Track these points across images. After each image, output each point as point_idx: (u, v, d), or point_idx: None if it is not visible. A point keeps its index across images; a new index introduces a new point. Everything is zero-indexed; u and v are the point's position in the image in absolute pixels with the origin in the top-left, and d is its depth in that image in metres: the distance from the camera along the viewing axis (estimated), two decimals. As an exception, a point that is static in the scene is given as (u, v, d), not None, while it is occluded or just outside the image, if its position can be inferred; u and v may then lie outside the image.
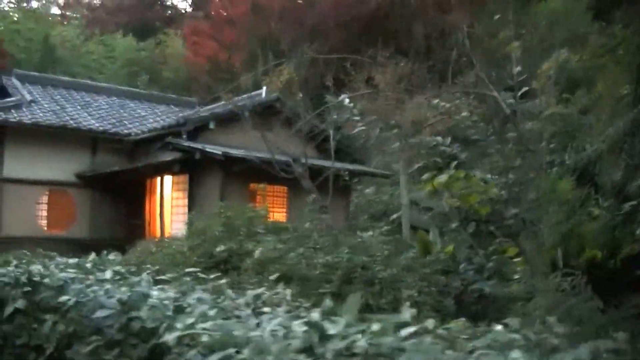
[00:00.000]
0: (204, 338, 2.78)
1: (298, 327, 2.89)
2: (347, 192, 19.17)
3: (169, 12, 40.27)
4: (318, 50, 26.10)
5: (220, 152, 14.83)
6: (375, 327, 2.80)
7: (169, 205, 17.29)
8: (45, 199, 18.11)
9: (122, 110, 20.27)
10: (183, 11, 40.42)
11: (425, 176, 8.54)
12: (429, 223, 14.45)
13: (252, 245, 8.58)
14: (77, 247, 17.85)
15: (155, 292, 3.78)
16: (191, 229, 9.94)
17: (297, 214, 17.37)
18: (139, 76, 28.55)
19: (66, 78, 21.50)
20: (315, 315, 3.15)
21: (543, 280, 7.16)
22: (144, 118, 20.26)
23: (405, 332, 2.76)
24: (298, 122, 18.33)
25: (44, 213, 18.07)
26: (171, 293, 3.76)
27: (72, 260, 5.71)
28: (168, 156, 16.62)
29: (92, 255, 5.71)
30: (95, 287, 4.37)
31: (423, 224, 14.58)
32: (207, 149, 15.13)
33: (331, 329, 2.82)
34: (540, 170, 9.78)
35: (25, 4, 34.86)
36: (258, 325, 3.09)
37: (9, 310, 4.68)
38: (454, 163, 9.68)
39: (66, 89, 20.39)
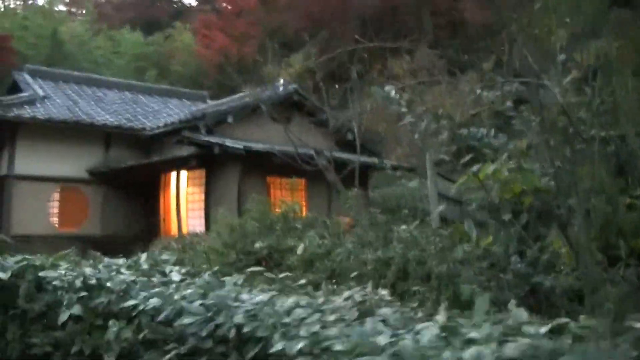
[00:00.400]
0: (338, 346, 2.38)
1: (428, 331, 2.51)
2: (365, 185, 18.79)
3: (175, 6, 39.80)
4: (329, 41, 25.78)
5: (241, 147, 14.43)
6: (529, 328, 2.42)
7: (185, 201, 16.90)
8: (57, 196, 17.70)
9: (135, 105, 19.85)
10: (188, 5, 40.06)
11: (475, 168, 8.07)
12: (457, 216, 14.08)
13: (293, 241, 8.16)
14: (90, 245, 17.44)
15: (245, 296, 3.38)
16: (222, 224, 9.50)
17: (316, 207, 17.00)
18: (147, 71, 28.13)
19: (77, 73, 21.05)
20: (441, 318, 2.77)
21: (600, 272, 6.77)
22: (157, 112, 19.84)
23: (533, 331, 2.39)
24: (318, 114, 17.98)
25: (56, 210, 17.66)
26: (262, 296, 3.35)
27: (121, 261, 5.30)
28: (184, 151, 16.22)
29: (144, 256, 5.30)
30: (168, 291, 3.98)
31: (452, 217, 14.20)
32: (227, 144, 14.72)
33: (471, 333, 2.43)
34: (590, 160, 9.24)
35: (31, 1, 34.46)
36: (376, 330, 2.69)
37: (63, 317, 4.28)
38: (505, 155, 9.20)
39: (77, 84, 19.96)
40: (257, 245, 8.19)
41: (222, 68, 27.95)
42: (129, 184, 18.10)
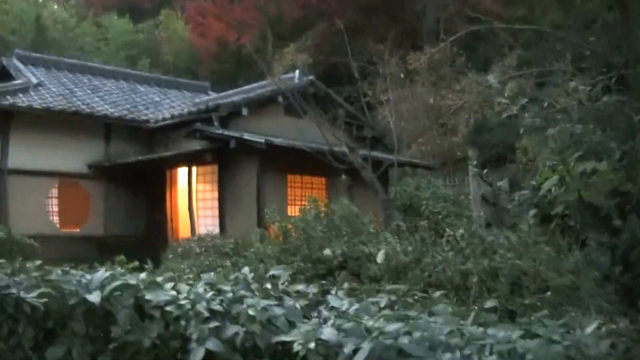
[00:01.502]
0: None
1: None
2: (387, 184, 17.87)
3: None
4: (335, 33, 24.74)
5: (262, 141, 13.35)
6: None
7: (195, 199, 15.77)
8: (55, 192, 16.44)
9: (134, 95, 18.61)
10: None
11: (586, 165, 7.11)
12: (493, 218, 13.24)
13: (369, 248, 7.16)
14: (93, 246, 16.28)
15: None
16: (273, 228, 8.47)
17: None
18: (138, 60, 26.76)
19: (71, 60, 19.66)
20: None
21: None
22: (158, 104, 18.64)
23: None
24: (333, 108, 17.00)
25: (56, 208, 16.39)
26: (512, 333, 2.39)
27: (212, 276, 4.26)
28: (195, 145, 15.12)
29: (245, 269, 4.26)
30: (348, 324, 3.00)
31: (490, 220, 13.35)
32: (246, 137, 13.65)
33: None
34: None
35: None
36: None
37: (198, 355, 3.25)
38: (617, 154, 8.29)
39: (71, 71, 18.64)
40: (327, 252, 7.18)
41: (218, 57, 26.85)
42: (132, 180, 16.92)
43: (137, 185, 16.95)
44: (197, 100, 19.62)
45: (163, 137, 17.14)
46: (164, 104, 18.69)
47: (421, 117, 18.25)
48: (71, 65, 19.03)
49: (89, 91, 17.59)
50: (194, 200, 15.25)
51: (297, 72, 16.45)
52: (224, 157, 14.64)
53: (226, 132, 13.92)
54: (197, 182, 15.70)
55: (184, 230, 16.49)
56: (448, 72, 18.14)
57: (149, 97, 18.93)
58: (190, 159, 14.72)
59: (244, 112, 15.00)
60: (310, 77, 16.25)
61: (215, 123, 14.46)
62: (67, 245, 15.82)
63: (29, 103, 15.26)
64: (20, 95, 15.62)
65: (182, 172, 17.00)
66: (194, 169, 15.21)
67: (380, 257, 6.84)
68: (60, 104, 15.89)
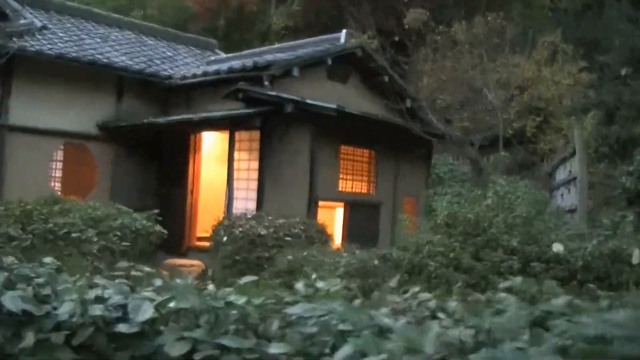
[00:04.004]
0: None
1: None
2: (430, 161, 16.37)
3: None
4: None
5: (333, 106, 11.53)
6: None
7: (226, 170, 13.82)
8: (60, 155, 14.15)
9: (144, 48, 16.29)
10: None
11: None
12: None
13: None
14: (98, 218, 14.09)
15: None
16: (448, 217, 6.77)
17: (383, 184, 14.45)
18: (128, 10, 24.12)
19: (72, 3, 17.02)
20: None
21: None
22: (172, 59, 16.40)
23: None
24: (378, 76, 15.30)
25: (58, 174, 14.11)
26: None
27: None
28: (226, 106, 13.15)
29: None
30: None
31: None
32: (310, 101, 11.79)
33: None
34: None
35: None
36: None
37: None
38: None
39: (73, 16, 16.14)
40: (558, 247, 5.56)
41: (217, 14, 24.53)
42: (147, 144, 14.78)
43: (152, 150, 14.82)
44: (213, 57, 17.49)
45: (182, 97, 15.03)
46: (178, 60, 16.49)
47: (464, 91, 16.70)
48: (73, 10, 16.48)
49: (98, 39, 15.20)
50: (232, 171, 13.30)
51: (343, 32, 14.59)
52: (268, 123, 12.73)
53: (283, 95, 12.00)
54: (229, 149, 13.74)
55: (204, 206, 14.54)
56: (497, 44, 16.59)
57: (160, 51, 16.65)
58: (231, 123, 12.70)
59: (294, 72, 13.08)
60: (358, 41, 14.43)
61: (266, 83, 12.50)
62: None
63: (40, 48, 12.87)
64: (27, 38, 13.20)
65: (207, 137, 15.00)
66: (232, 135, 13.17)
67: (637, 257, 5.29)
68: (73, 51, 13.55)
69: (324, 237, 10.52)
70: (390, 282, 3.51)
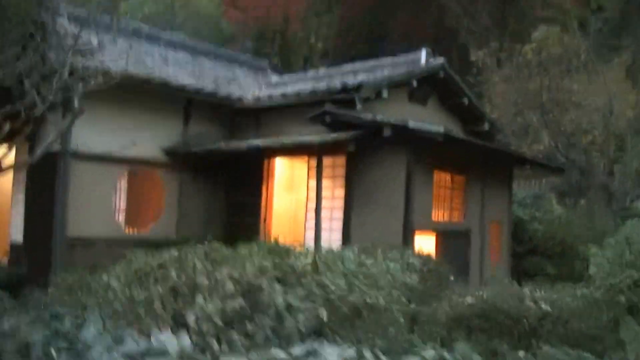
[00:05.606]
0: None
1: None
2: (510, 185, 15.36)
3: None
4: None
5: (440, 131, 10.53)
6: None
7: (305, 199, 12.79)
8: (124, 183, 13.07)
9: (205, 69, 15.30)
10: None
11: None
12: None
13: None
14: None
15: None
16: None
17: (471, 210, 13.45)
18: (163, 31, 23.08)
19: (122, 22, 15.97)
20: None
21: None
22: (233, 80, 15.42)
23: None
24: (458, 97, 14.42)
25: (122, 204, 13.01)
26: None
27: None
28: (305, 129, 12.22)
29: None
30: None
31: None
32: (412, 125, 10.80)
33: None
34: None
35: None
36: None
37: None
38: None
39: (126, 36, 15.09)
40: None
41: (259, 33, 23.63)
42: (215, 170, 13.77)
43: (221, 177, 13.80)
44: (275, 80, 16.50)
45: (252, 120, 14.05)
46: (240, 82, 15.50)
47: (535, 112, 15.84)
48: (124, 28, 15.45)
49: (159, 60, 14.22)
50: (310, 199, 12.30)
51: (423, 52, 13.66)
52: (357, 147, 11.73)
53: (381, 118, 11.02)
54: (308, 177, 12.74)
55: (279, 236, 13.44)
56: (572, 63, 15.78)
57: (220, 72, 15.66)
58: (321, 148, 11.69)
59: (384, 94, 12.12)
60: (441, 60, 13.53)
61: (359, 105, 11.54)
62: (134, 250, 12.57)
63: (107, 68, 11.83)
64: (87, 57, 12.16)
65: (280, 163, 14.00)
66: (319, 160, 12.16)
67: None
68: (139, 71, 12.54)
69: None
70: None
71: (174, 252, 5.33)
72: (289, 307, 3.69)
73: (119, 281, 4.46)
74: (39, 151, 8.49)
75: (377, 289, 4.28)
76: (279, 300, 3.66)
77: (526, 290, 6.08)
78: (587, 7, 23.89)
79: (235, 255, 5.46)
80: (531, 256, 15.37)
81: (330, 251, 10.07)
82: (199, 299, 3.72)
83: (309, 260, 4.58)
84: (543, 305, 5.42)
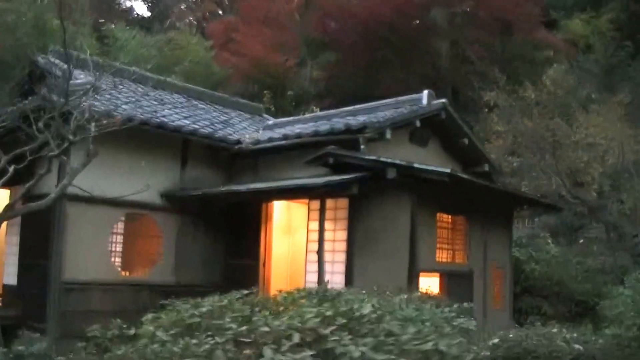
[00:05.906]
0: None
1: None
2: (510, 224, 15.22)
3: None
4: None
5: (447, 171, 10.41)
6: None
7: (305, 241, 12.56)
8: (120, 227, 12.79)
9: (199, 111, 15.22)
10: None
11: None
12: None
13: None
14: (159, 297, 12.55)
15: None
16: None
17: (474, 252, 13.29)
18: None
19: (116, 64, 15.84)
20: None
21: None
22: (229, 123, 15.31)
23: None
24: (457, 138, 14.41)
25: (119, 247, 12.72)
26: None
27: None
28: (303, 173, 12.13)
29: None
30: None
31: None
32: (417, 166, 10.69)
33: None
34: None
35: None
36: None
37: None
38: None
39: (118, 77, 14.96)
40: None
41: (251, 78, 23.68)
42: (213, 214, 13.55)
43: (219, 220, 13.58)
44: (270, 122, 16.44)
45: (249, 163, 13.89)
46: (235, 124, 15.40)
47: (536, 152, 15.86)
48: (118, 70, 15.33)
49: (154, 102, 14.10)
50: (310, 242, 12.09)
51: (425, 93, 13.68)
52: (360, 189, 11.58)
53: (384, 159, 10.91)
54: (309, 219, 12.54)
55: (278, 281, 13.20)
56: (571, 102, 15.91)
57: (215, 114, 15.58)
58: (325, 191, 11.52)
59: (387, 135, 12.04)
60: (443, 101, 13.55)
61: (363, 146, 11.44)
62: (131, 295, 12.31)
63: (106, 109, 11.69)
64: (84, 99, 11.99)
65: (278, 206, 13.82)
66: (322, 203, 12.00)
67: None
68: (137, 113, 12.40)
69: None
70: None
71: (217, 300, 5.01)
72: (363, 357, 3.44)
73: (165, 331, 4.15)
74: (54, 194, 8.29)
75: (440, 335, 4.04)
76: (353, 350, 3.41)
77: (554, 330, 5.88)
78: (577, 47, 24.32)
79: (287, 303, 5.17)
80: (526, 296, 15.30)
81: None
82: (267, 352, 3.46)
83: (365, 305, 4.34)
84: (576, 345, 5.22)
